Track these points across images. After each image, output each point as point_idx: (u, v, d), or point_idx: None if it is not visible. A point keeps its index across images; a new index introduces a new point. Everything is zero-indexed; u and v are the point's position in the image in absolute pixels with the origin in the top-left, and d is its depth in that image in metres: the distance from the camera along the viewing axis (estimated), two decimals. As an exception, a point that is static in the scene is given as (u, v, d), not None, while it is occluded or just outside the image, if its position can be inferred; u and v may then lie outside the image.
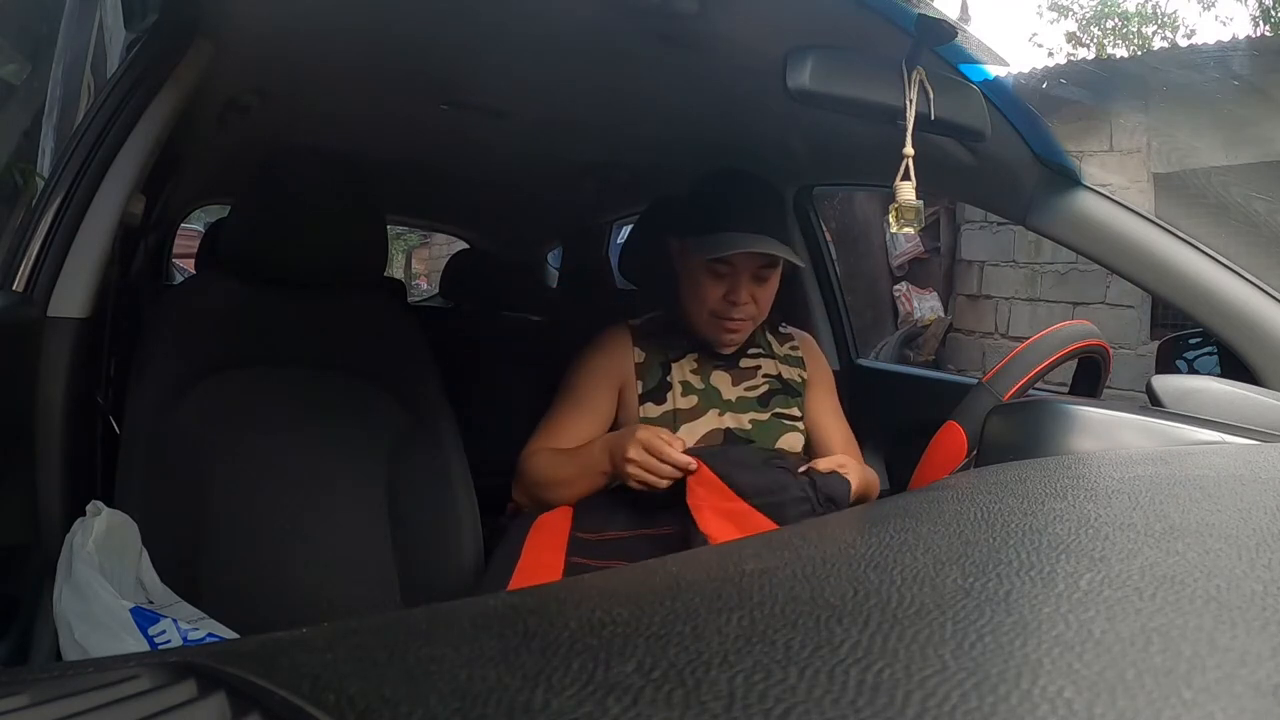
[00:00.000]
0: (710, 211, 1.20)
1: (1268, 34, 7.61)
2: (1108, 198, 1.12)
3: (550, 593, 0.47)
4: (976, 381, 1.12)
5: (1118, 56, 8.82)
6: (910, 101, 0.90)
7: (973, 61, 0.98)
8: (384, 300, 1.38)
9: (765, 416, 1.26)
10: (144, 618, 0.78)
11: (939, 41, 0.90)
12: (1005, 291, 5.40)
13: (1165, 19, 9.52)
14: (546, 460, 1.20)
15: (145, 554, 0.94)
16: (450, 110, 1.45)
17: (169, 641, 0.78)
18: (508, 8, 1.02)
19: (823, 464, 1.13)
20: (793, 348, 1.36)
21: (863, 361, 1.91)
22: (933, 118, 0.91)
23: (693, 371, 1.26)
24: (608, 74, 1.24)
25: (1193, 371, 1.20)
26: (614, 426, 1.25)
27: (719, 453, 1.14)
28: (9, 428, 0.90)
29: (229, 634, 0.87)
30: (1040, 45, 12.23)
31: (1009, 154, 1.14)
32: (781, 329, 1.38)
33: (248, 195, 1.27)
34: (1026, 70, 3.71)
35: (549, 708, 0.26)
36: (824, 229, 1.94)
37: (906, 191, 0.92)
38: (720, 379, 1.27)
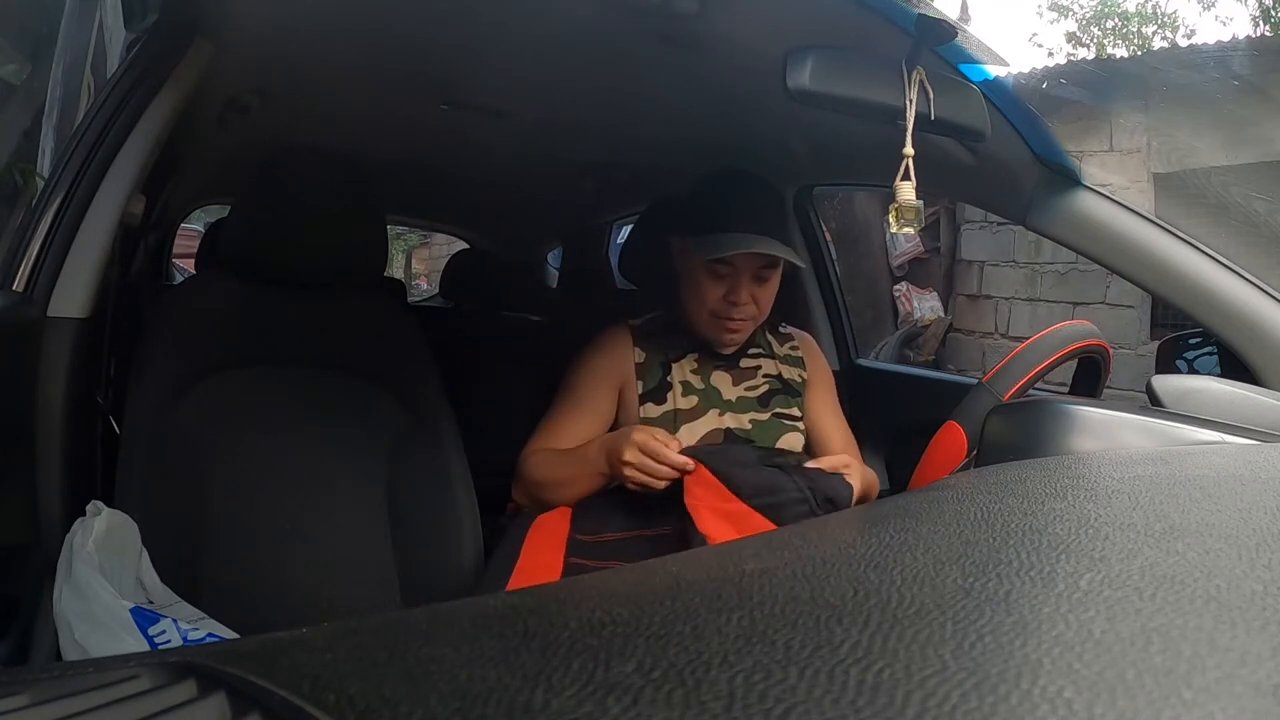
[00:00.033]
0: (710, 211, 1.20)
1: (1268, 34, 7.62)
2: (1108, 198, 1.12)
3: (550, 593, 0.47)
4: (976, 381, 1.12)
5: (1118, 56, 8.83)
6: (910, 101, 0.90)
7: (973, 61, 0.98)
8: (384, 300, 1.38)
9: (765, 416, 1.26)
10: (144, 618, 0.78)
11: (939, 41, 0.90)
12: (1005, 291, 5.40)
13: (1165, 19, 9.53)
14: (545, 461, 1.20)
15: (145, 554, 0.94)
16: (450, 110, 1.45)
17: (169, 641, 0.78)
18: (508, 8, 1.02)
19: (826, 463, 1.13)
20: (793, 348, 1.36)
21: (863, 361, 1.91)
22: (933, 118, 0.91)
23: (693, 371, 1.26)
24: (608, 74, 1.24)
25: (1193, 371, 1.20)
26: (614, 426, 1.25)
27: (717, 452, 1.14)
28: (9, 428, 0.90)
29: (229, 634, 0.87)
30: (1040, 45, 12.25)
31: (1009, 154, 1.14)
32: (781, 329, 1.38)
33: (248, 195, 1.27)
34: (1026, 70, 3.71)
35: (549, 708, 0.26)
36: (824, 229, 1.94)
37: (906, 191, 0.92)
38: (720, 379, 1.27)
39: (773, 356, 1.32)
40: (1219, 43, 4.50)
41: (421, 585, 1.21)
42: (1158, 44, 9.35)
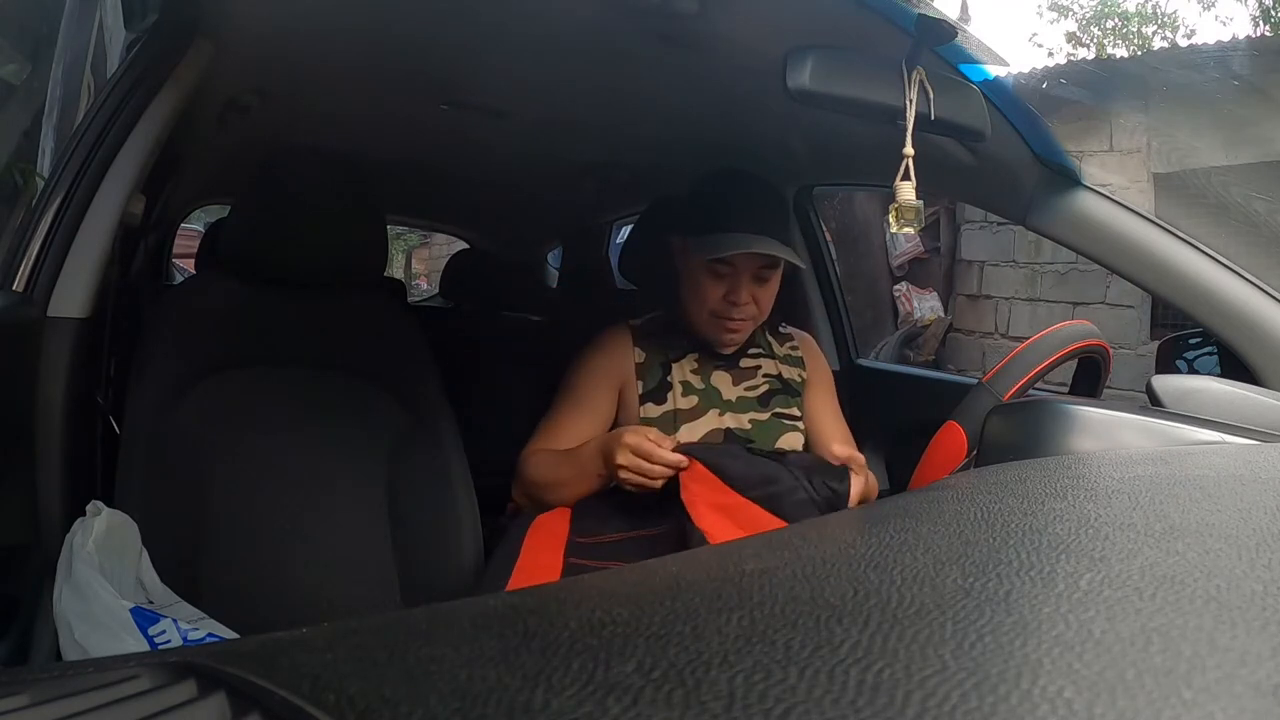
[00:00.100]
0: (711, 211, 1.20)
1: (1268, 34, 7.62)
2: (1108, 198, 1.12)
3: (550, 593, 0.47)
4: (976, 381, 1.12)
5: (1118, 56, 8.83)
6: (910, 101, 0.90)
7: (973, 61, 0.98)
8: (384, 300, 1.38)
9: (765, 416, 1.26)
10: (144, 618, 0.78)
11: (939, 41, 0.90)
12: (1005, 291, 5.40)
13: (1165, 19, 9.53)
14: (544, 462, 1.20)
15: (145, 554, 0.94)
16: (450, 110, 1.45)
17: (169, 641, 0.78)
18: (508, 8, 1.02)
19: (842, 452, 1.11)
20: (792, 348, 1.36)
21: (863, 361, 1.91)
22: (933, 118, 0.91)
23: (693, 371, 1.26)
24: (608, 74, 1.24)
25: (1193, 371, 1.20)
26: (614, 426, 1.25)
27: (711, 447, 1.14)
28: (9, 428, 0.90)
29: (229, 634, 0.87)
30: (1040, 45, 12.25)
31: (1009, 154, 1.14)
32: (781, 329, 1.38)
33: (248, 195, 1.27)
34: (1026, 70, 3.71)
35: (549, 708, 0.26)
36: (824, 229, 1.94)
37: (906, 191, 0.92)
38: (720, 379, 1.27)
39: (773, 356, 1.32)
40: (1219, 43, 4.50)
41: (421, 585, 1.20)
42: (1158, 44, 9.36)
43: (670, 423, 1.21)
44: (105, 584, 0.79)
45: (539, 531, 1.14)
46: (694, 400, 1.24)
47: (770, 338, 1.35)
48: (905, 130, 0.90)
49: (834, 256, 1.94)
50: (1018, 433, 0.96)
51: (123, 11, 1.09)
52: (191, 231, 3.66)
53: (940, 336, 5.67)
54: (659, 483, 1.06)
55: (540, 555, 1.11)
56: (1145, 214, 1.10)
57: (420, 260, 10.92)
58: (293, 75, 1.26)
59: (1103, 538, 0.42)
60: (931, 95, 0.90)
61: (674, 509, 1.05)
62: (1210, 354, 1.18)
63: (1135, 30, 9.55)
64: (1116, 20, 9.63)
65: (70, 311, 0.94)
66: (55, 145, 1.28)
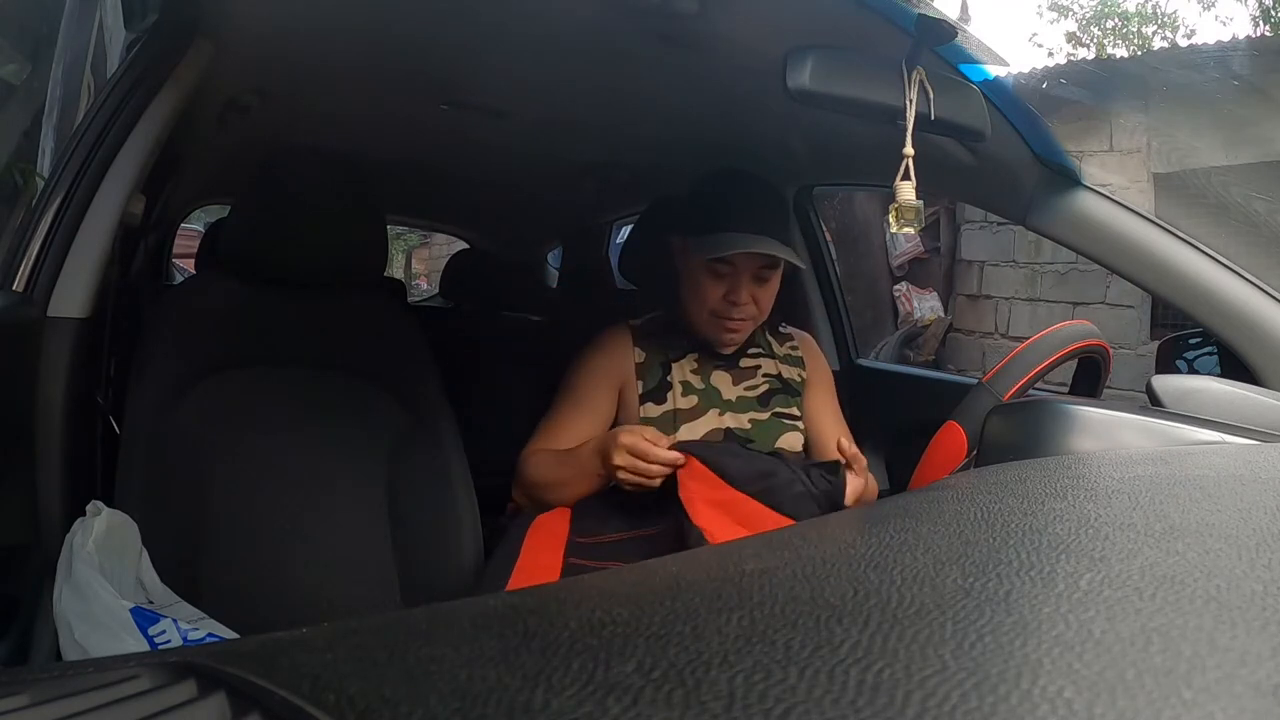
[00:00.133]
0: (711, 211, 1.20)
1: (1268, 34, 7.61)
2: (1108, 198, 1.12)
3: (550, 593, 0.47)
4: (976, 381, 1.12)
5: (1118, 56, 8.83)
6: (910, 101, 0.89)
7: (973, 61, 0.97)
8: (384, 300, 1.38)
9: (765, 416, 1.26)
10: (144, 618, 0.78)
11: (939, 41, 0.90)
12: (1005, 291, 5.40)
13: (1165, 19, 9.53)
14: (544, 462, 1.20)
15: (145, 554, 0.94)
16: (450, 110, 1.45)
17: (169, 641, 0.78)
18: (508, 8, 1.02)
19: (845, 445, 1.11)
20: (792, 348, 1.36)
21: (863, 361, 1.91)
22: (933, 118, 0.91)
23: (693, 371, 1.26)
24: (608, 74, 1.24)
25: (1193, 371, 1.20)
26: (615, 426, 1.25)
27: (708, 444, 1.14)
28: (9, 428, 0.90)
29: (229, 634, 0.87)
30: (1040, 45, 12.25)
31: (1009, 154, 1.14)
32: (781, 329, 1.38)
33: (248, 195, 1.27)
34: (1026, 70, 3.71)
35: (549, 708, 0.26)
36: (824, 229, 1.94)
37: (906, 191, 0.92)
38: (720, 379, 1.27)
39: (772, 356, 1.32)
40: (1219, 43, 4.50)
41: (421, 585, 1.20)
42: (1158, 44, 9.36)
43: (670, 422, 1.21)
44: (105, 584, 0.79)
45: (539, 531, 1.14)
46: (694, 400, 1.24)
47: (770, 338, 1.35)
48: (905, 130, 0.90)
49: (834, 256, 1.94)
50: (1018, 433, 0.96)
51: (123, 11, 1.09)
52: (191, 231, 3.66)
53: (940, 336, 5.67)
54: (657, 481, 1.06)
55: (540, 555, 1.11)
56: (1145, 214, 1.10)
57: (420, 260, 10.92)
58: (293, 75, 1.26)
59: (1103, 538, 0.42)
60: (931, 95, 0.90)
61: (673, 508, 1.05)
62: (1210, 354, 1.18)
63: (1135, 30, 9.55)
64: (1116, 20, 9.63)
65: (70, 311, 0.94)
66: (55, 145, 1.28)
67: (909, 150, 0.91)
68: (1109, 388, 1.19)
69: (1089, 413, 0.91)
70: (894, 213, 0.94)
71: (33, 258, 0.92)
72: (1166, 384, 0.98)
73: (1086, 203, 1.13)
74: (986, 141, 1.02)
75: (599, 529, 1.13)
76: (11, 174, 1.36)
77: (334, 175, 1.26)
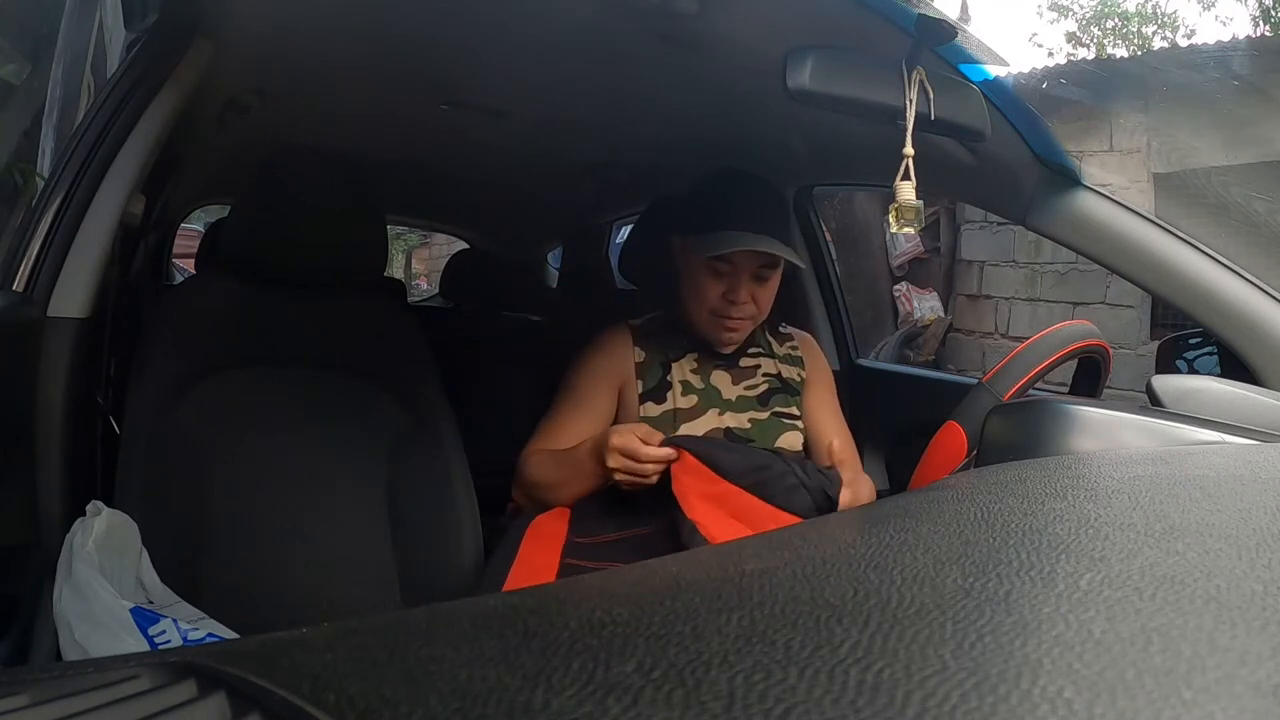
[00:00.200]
0: (710, 211, 1.20)
1: (1268, 34, 7.62)
2: (1108, 198, 1.12)
3: (550, 593, 0.47)
4: (976, 381, 1.12)
5: (1118, 56, 8.83)
6: (910, 101, 0.89)
7: (973, 61, 0.97)
8: (384, 300, 1.38)
9: (765, 416, 1.26)
10: (144, 618, 0.78)
11: (939, 41, 0.90)
12: (1005, 291, 5.41)
13: (1165, 19, 9.53)
14: (543, 462, 1.20)
15: (145, 554, 0.94)
16: (450, 110, 1.45)
17: (169, 641, 0.78)
18: (508, 8, 1.02)
19: (837, 447, 1.16)
20: (792, 347, 1.36)
21: (863, 361, 1.91)
22: (933, 118, 0.91)
23: (693, 371, 1.26)
24: (608, 74, 1.24)
25: (1193, 371, 1.20)
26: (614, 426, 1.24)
27: (701, 439, 1.14)
28: (9, 428, 0.90)
29: (229, 634, 0.87)
30: (1040, 45, 12.25)
31: (1009, 154, 1.14)
32: (781, 329, 1.38)
33: (248, 195, 1.27)
34: (1026, 70, 3.71)
35: (549, 708, 0.26)
36: (824, 229, 1.94)
37: (906, 191, 0.92)
38: (720, 378, 1.27)
39: (772, 356, 1.32)
40: (1219, 43, 4.51)
41: (421, 585, 1.20)
42: (1158, 44, 9.36)
43: (670, 422, 1.21)
44: (105, 584, 0.79)
45: (537, 532, 1.14)
46: (694, 400, 1.24)
47: (770, 337, 1.35)
48: (905, 130, 0.90)
49: (834, 256, 1.94)
50: (1018, 433, 0.96)
51: (123, 11, 1.09)
52: (191, 231, 3.66)
53: (940, 336, 5.67)
54: (653, 479, 1.06)
55: (537, 556, 1.11)
56: (1145, 214, 1.10)
57: (420, 260, 10.92)
58: (293, 75, 1.26)
59: (1103, 538, 0.42)
60: (931, 95, 0.90)
61: (670, 506, 1.05)
62: (1210, 354, 1.18)
63: (1135, 30, 9.55)
64: (1116, 20, 9.63)
65: (70, 311, 0.94)
66: (55, 145, 1.28)
67: (909, 150, 0.91)
68: (1109, 388, 1.19)
69: (1089, 413, 0.91)
70: (894, 213, 0.94)
71: (33, 258, 0.92)
72: (1166, 384, 0.98)
73: (1086, 203, 1.13)
74: (986, 141, 1.02)
75: (597, 529, 1.13)
76: (11, 174, 1.36)
77: (334, 175, 1.26)
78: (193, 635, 0.80)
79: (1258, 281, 1.05)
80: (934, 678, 0.26)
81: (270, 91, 1.32)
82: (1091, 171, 1.14)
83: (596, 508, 1.15)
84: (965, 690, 0.25)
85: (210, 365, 1.19)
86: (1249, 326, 1.04)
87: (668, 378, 1.25)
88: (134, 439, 1.11)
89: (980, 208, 3.29)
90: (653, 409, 1.23)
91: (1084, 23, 9.80)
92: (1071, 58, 9.69)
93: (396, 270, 9.33)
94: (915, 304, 5.86)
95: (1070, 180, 1.14)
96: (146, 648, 0.76)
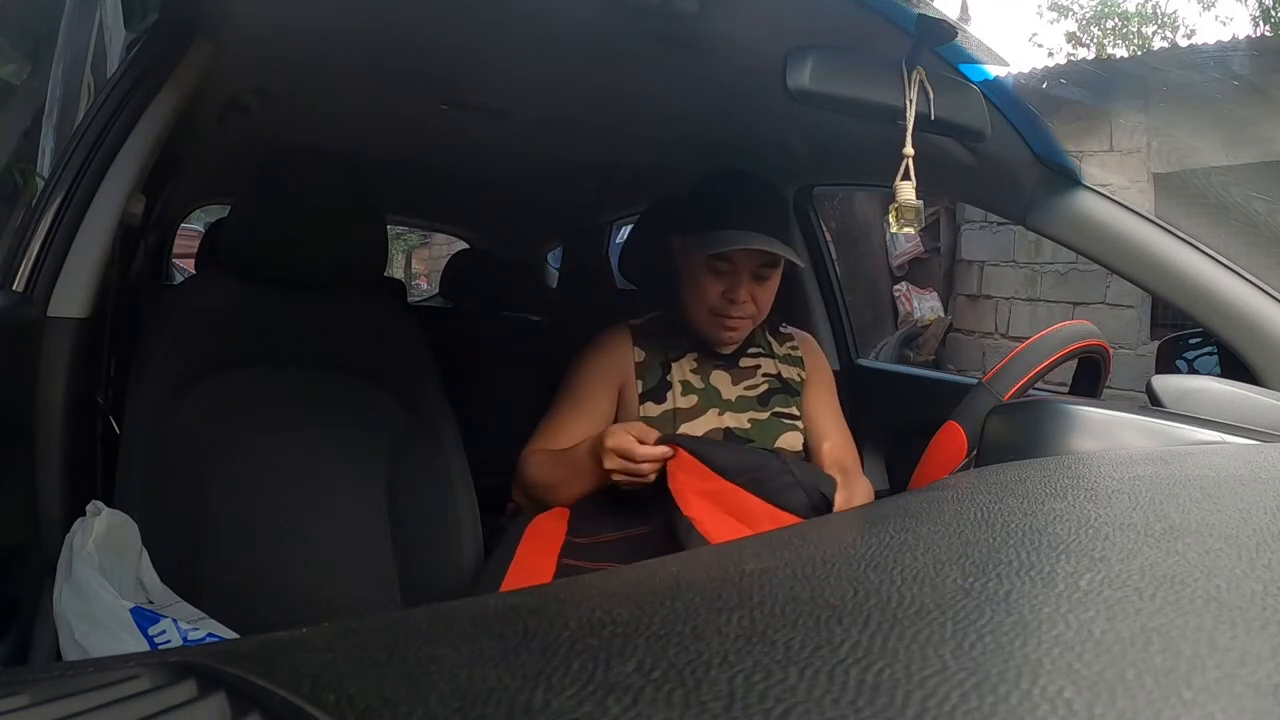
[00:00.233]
0: (710, 210, 1.20)
1: (1268, 34, 7.62)
2: (1108, 198, 1.12)
3: (550, 593, 0.47)
4: (976, 381, 1.12)
5: (1118, 56, 8.83)
6: (910, 101, 0.89)
7: (973, 61, 0.97)
8: (384, 300, 1.38)
9: (765, 416, 1.26)
10: (144, 618, 0.78)
11: (939, 41, 0.90)
12: (1005, 291, 5.41)
13: (1165, 19, 9.53)
14: (543, 462, 1.20)
15: (145, 554, 0.94)
16: (450, 110, 1.45)
17: (169, 641, 0.78)
18: (508, 8, 1.02)
19: (829, 451, 1.16)
20: (792, 347, 1.36)
21: (863, 361, 1.91)
22: (933, 118, 0.91)
23: (692, 371, 1.26)
24: (608, 74, 1.24)
25: (1193, 371, 1.20)
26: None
27: (698, 437, 1.14)
28: (9, 428, 0.90)
29: (229, 634, 0.87)
30: (1040, 45, 12.25)
31: (1009, 154, 1.14)
32: (781, 329, 1.38)
33: (248, 195, 1.27)
34: (1026, 70, 3.71)
35: (549, 708, 0.26)
36: (824, 229, 1.94)
37: (906, 191, 0.92)
38: (720, 378, 1.27)
39: (772, 356, 1.32)
40: (1219, 43, 4.51)
41: (421, 585, 1.21)
42: (1158, 44, 9.36)
43: (670, 422, 1.21)
44: (105, 584, 0.79)
45: (535, 533, 1.14)
46: (693, 399, 1.24)
47: (770, 337, 1.35)
48: (905, 130, 0.90)
49: (834, 256, 1.94)
50: (1018, 433, 0.96)
51: (123, 11, 1.09)
52: (191, 231, 3.66)
53: (940, 336, 5.67)
54: (651, 478, 1.06)
55: (535, 557, 1.11)
56: (1145, 214, 1.10)
57: (420, 260, 10.93)
58: (293, 75, 1.26)
59: (1103, 538, 0.42)
60: (931, 95, 0.90)
61: (667, 506, 1.05)
62: (1210, 354, 1.18)
63: (1135, 30, 9.55)
64: (1116, 20, 9.63)
65: (70, 311, 0.94)
66: (55, 145, 1.28)
67: (909, 150, 0.91)
68: (1109, 388, 1.19)
69: (1089, 413, 0.91)
70: (894, 213, 0.94)
71: (33, 258, 0.92)
72: (1166, 384, 0.98)
73: (1086, 203, 1.13)
74: (986, 141, 1.02)
75: (595, 529, 1.13)
76: (11, 174, 1.36)
77: (334, 175, 1.26)
78: (193, 635, 0.80)
79: (1258, 281, 1.05)
80: (934, 678, 0.26)
81: (270, 91, 1.32)
82: (1091, 171, 1.14)
83: (595, 508, 1.15)
84: (965, 690, 0.25)
85: (210, 365, 1.19)
86: (1249, 326, 1.04)
87: (668, 378, 1.25)
88: (134, 439, 1.11)
89: (980, 208, 3.29)
90: (653, 409, 1.23)
91: (1084, 23, 9.81)
92: (1071, 58, 9.70)
93: (396, 270, 9.33)
94: (915, 304, 5.86)
95: (1070, 180, 1.14)
96: (146, 648, 0.76)
